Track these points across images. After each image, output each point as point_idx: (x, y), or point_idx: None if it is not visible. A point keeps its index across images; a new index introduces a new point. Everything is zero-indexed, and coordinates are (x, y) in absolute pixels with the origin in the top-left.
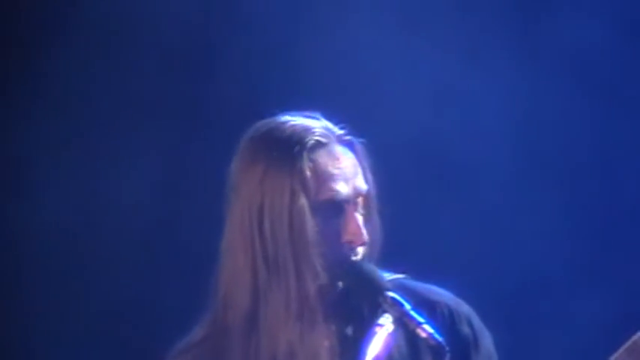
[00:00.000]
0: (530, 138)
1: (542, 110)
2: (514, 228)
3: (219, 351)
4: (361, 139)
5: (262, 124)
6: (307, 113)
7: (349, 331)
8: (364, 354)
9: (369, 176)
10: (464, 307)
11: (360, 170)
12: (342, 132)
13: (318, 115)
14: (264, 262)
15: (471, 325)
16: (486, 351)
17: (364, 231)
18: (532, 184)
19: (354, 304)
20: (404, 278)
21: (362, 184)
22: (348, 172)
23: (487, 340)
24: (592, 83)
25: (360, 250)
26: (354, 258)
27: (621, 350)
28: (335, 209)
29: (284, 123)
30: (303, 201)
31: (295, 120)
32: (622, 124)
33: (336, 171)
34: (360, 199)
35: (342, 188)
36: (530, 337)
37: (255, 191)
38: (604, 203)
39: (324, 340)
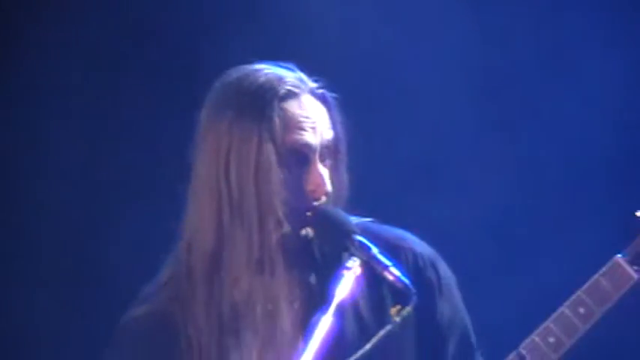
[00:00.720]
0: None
1: None
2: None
3: (183, 294)
4: (334, 94)
5: (235, 70)
6: (282, 64)
7: (312, 279)
8: (331, 297)
9: (340, 130)
10: (428, 251)
11: (329, 123)
12: (315, 85)
13: (292, 66)
14: (229, 207)
15: (435, 268)
16: (448, 291)
17: (328, 182)
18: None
19: (320, 252)
20: (370, 222)
21: (329, 136)
22: (317, 123)
23: (450, 280)
24: None
25: (324, 199)
26: (315, 204)
27: (581, 290)
28: (300, 158)
29: (258, 71)
30: (270, 148)
31: (269, 69)
32: None
33: (304, 121)
34: (327, 151)
35: (309, 138)
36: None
37: (224, 137)
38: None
39: (284, 287)
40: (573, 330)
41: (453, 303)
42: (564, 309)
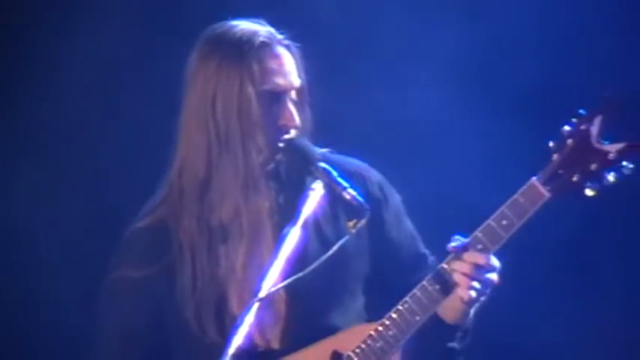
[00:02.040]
0: None
1: None
2: None
3: (177, 210)
4: (297, 44)
5: (217, 26)
6: (254, 20)
7: (286, 195)
8: (299, 212)
9: (303, 74)
10: (376, 174)
11: (296, 69)
12: (282, 36)
13: (263, 21)
14: (217, 138)
15: (381, 188)
16: (395, 207)
17: (297, 117)
18: None
19: (289, 173)
20: (329, 152)
21: (296, 80)
22: (286, 69)
23: (396, 199)
24: None
25: (293, 132)
26: (287, 137)
27: (504, 206)
28: (274, 98)
29: (236, 26)
30: (249, 89)
31: (245, 24)
32: None
33: (276, 67)
34: (294, 92)
35: (281, 81)
36: None
37: (210, 79)
38: None
39: (265, 202)
40: (497, 238)
41: (399, 217)
42: (490, 221)
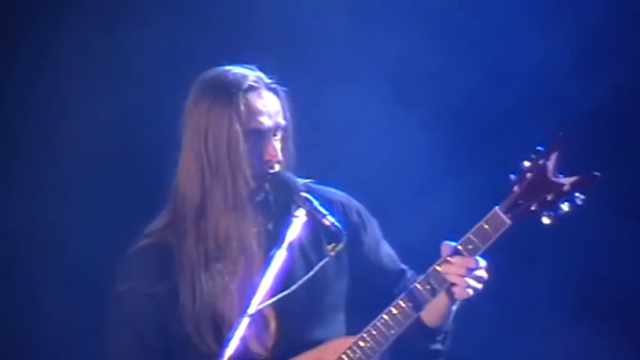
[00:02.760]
0: None
1: None
2: None
3: (178, 232)
4: (284, 88)
5: (211, 71)
6: (246, 65)
7: (274, 221)
8: (284, 237)
9: (288, 115)
10: (354, 202)
11: (281, 110)
12: (270, 81)
13: (253, 67)
14: (209, 169)
15: (359, 214)
16: (372, 231)
17: (280, 153)
18: None
19: (276, 203)
20: (310, 182)
21: (281, 120)
22: (271, 110)
23: (373, 223)
24: None
25: (277, 166)
26: (272, 171)
27: (470, 232)
28: (260, 136)
29: (227, 71)
30: (237, 127)
31: (235, 69)
32: None
33: (262, 108)
34: (279, 131)
35: (266, 121)
36: None
37: (203, 118)
38: None
39: (252, 228)
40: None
41: (376, 239)
42: (458, 246)
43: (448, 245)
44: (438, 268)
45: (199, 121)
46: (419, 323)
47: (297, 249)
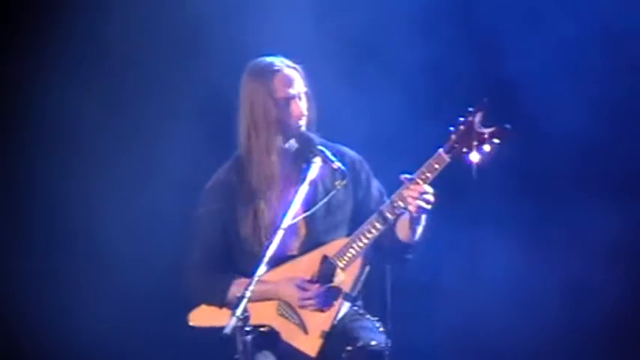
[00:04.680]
0: None
1: None
2: None
3: (238, 171)
4: (302, 65)
5: (251, 62)
6: (276, 55)
7: (299, 164)
8: (305, 175)
9: (307, 85)
10: (355, 155)
11: (301, 80)
12: (290, 62)
13: (280, 56)
14: (253, 127)
15: (360, 162)
16: (366, 173)
17: (304, 110)
18: None
19: (301, 152)
20: (325, 140)
21: (302, 88)
22: (293, 82)
23: (367, 167)
24: None
25: (302, 122)
26: (300, 127)
27: (422, 167)
28: (287, 102)
29: (261, 61)
30: (269, 99)
31: (267, 58)
32: None
33: (286, 81)
34: (302, 95)
35: (290, 90)
36: None
37: (247, 94)
38: None
39: (285, 168)
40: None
41: (369, 179)
42: (414, 176)
43: (407, 177)
44: (400, 191)
45: (245, 99)
46: (395, 238)
47: (316, 183)
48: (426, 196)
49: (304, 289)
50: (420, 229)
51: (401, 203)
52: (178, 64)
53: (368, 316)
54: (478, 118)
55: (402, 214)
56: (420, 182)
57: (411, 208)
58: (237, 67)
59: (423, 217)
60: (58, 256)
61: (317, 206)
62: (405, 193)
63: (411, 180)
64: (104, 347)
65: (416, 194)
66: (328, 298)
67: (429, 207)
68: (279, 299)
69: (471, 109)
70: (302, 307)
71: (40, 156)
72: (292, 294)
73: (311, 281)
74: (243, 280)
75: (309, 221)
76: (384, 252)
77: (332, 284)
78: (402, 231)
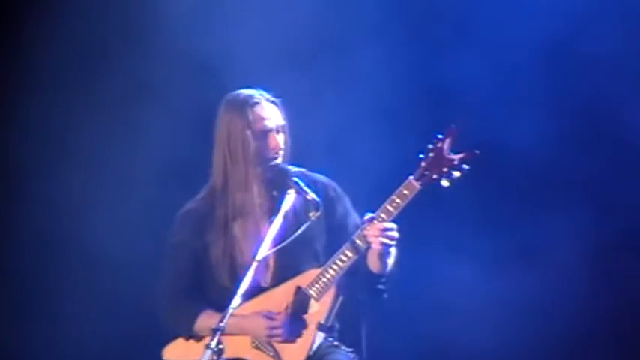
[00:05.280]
0: None
1: None
2: None
3: (212, 202)
4: (280, 99)
5: (229, 95)
6: (254, 88)
7: (274, 196)
8: (280, 207)
9: (284, 118)
10: (332, 183)
11: (279, 114)
12: (269, 95)
13: (259, 89)
14: (230, 158)
15: (335, 192)
16: (343, 204)
17: (281, 144)
18: None
19: (276, 184)
20: (300, 170)
21: (280, 121)
22: (272, 115)
23: (345, 200)
24: None
25: (280, 153)
26: (275, 161)
27: (393, 195)
28: (264, 135)
29: (239, 93)
30: (248, 132)
31: (245, 91)
32: None
33: (265, 115)
34: (279, 129)
35: (269, 123)
36: None
37: (225, 128)
38: None
39: (259, 199)
40: (389, 214)
41: (347, 210)
42: (386, 204)
43: (367, 217)
44: (360, 232)
45: (222, 130)
46: (367, 269)
47: (290, 215)
48: (388, 233)
49: (271, 319)
50: (390, 261)
51: (359, 242)
52: (165, 65)
53: (343, 347)
54: (447, 144)
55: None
56: (382, 219)
57: (374, 246)
58: (224, 68)
59: (392, 250)
60: (46, 256)
61: (290, 238)
62: (366, 232)
63: (371, 220)
64: (91, 348)
65: (377, 232)
66: (296, 327)
67: (392, 242)
68: (246, 334)
69: (439, 135)
70: (270, 337)
71: (27, 156)
72: (260, 324)
73: (278, 313)
74: (212, 312)
75: (279, 253)
76: (358, 282)
77: (305, 315)
78: (372, 262)
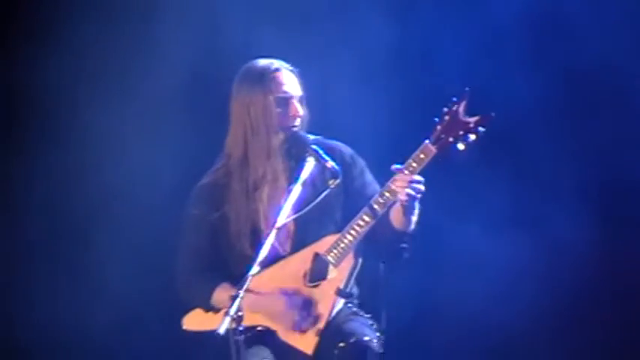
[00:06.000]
0: None
1: None
2: None
3: (229, 174)
4: (298, 69)
5: (248, 64)
6: (270, 57)
7: (292, 164)
8: (299, 175)
9: (302, 86)
10: (349, 150)
11: (298, 83)
12: (287, 65)
13: (276, 58)
14: (251, 130)
15: (352, 158)
16: (360, 167)
17: (301, 111)
18: None
19: (295, 152)
20: (319, 137)
21: (298, 90)
22: (291, 83)
23: (361, 162)
24: None
25: (298, 121)
26: (295, 127)
27: (410, 157)
28: (285, 101)
29: (258, 62)
30: (269, 98)
31: (263, 60)
32: None
33: (285, 82)
34: (298, 97)
35: (289, 90)
36: None
37: (246, 95)
38: None
39: (280, 167)
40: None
41: (363, 173)
42: (403, 166)
43: (396, 167)
44: (388, 184)
45: (243, 98)
46: (391, 227)
47: (309, 183)
48: (415, 185)
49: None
50: (414, 218)
51: (388, 195)
52: (166, 62)
53: (362, 313)
54: (462, 107)
55: (391, 205)
56: (408, 172)
57: (401, 197)
58: (224, 58)
59: (416, 205)
60: (53, 254)
61: (310, 205)
62: (394, 184)
63: (400, 170)
64: (98, 344)
65: (405, 183)
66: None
67: (419, 195)
68: (265, 312)
69: (454, 98)
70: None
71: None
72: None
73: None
74: (227, 286)
75: (299, 221)
76: (379, 244)
77: (325, 280)
78: (396, 219)
